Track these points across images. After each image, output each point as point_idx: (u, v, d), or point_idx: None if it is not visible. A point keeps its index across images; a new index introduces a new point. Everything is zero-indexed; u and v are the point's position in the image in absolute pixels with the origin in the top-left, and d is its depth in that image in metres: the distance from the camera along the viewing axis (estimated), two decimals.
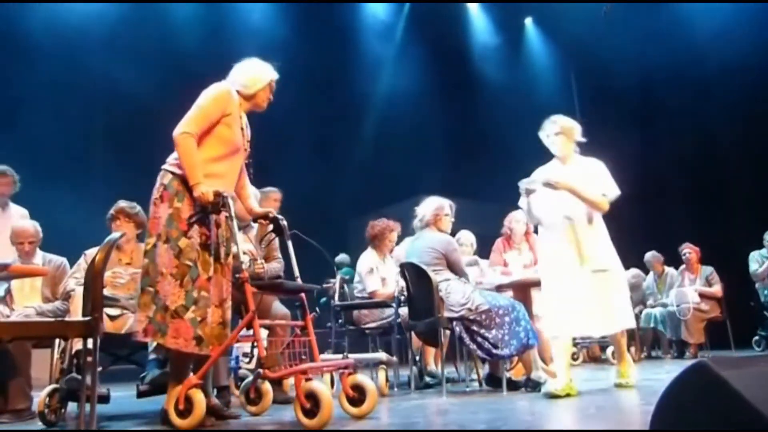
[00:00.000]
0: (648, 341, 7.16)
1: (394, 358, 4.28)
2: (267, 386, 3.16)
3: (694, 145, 9.44)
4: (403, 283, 4.20)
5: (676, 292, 6.81)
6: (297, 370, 2.63)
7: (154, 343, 3.14)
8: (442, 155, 9.70)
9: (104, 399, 3.26)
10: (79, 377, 2.98)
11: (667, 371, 4.92)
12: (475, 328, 3.76)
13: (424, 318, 3.89)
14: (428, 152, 9.61)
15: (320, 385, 2.59)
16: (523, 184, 3.57)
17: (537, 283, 4.60)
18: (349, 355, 4.42)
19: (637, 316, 6.77)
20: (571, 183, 3.56)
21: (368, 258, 4.62)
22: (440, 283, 3.85)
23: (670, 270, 7.26)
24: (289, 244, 3.12)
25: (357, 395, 2.85)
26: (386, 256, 4.72)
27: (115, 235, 2.96)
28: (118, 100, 7.37)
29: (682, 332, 6.60)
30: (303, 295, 3.09)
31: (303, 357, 2.90)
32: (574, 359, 6.37)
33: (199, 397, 2.70)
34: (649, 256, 7.32)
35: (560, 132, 3.74)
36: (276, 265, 3.85)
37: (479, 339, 3.75)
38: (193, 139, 2.81)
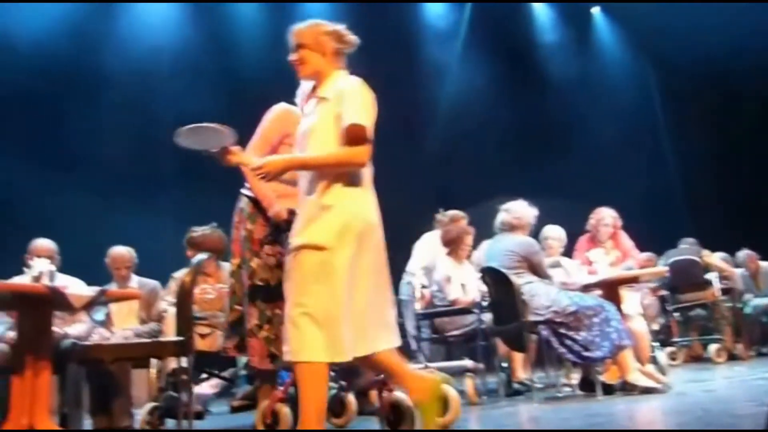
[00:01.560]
0: (756, 335, 6.66)
1: (481, 366, 4.20)
2: (351, 398, 3.17)
3: None
4: (484, 288, 4.12)
5: None
6: (379, 381, 2.64)
7: (244, 360, 3.24)
8: (514, 155, 9.48)
9: (200, 415, 3.38)
10: (176, 395, 3.10)
11: None
12: (563, 330, 3.64)
13: (508, 323, 3.81)
14: (500, 153, 9.41)
15: (402, 395, 2.58)
16: None
17: (626, 281, 4.42)
18: (433, 364, 4.39)
19: (742, 311, 6.33)
20: None
21: (444, 265, 4.54)
22: (523, 286, 3.75)
23: (764, 264, 6.80)
24: None
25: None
26: (463, 261, 4.63)
27: (201, 257, 3.09)
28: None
29: None
30: None
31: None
32: (673, 359, 6.04)
33: (284, 411, 2.75)
34: (742, 255, 6.87)
35: None
36: None
37: (568, 342, 3.63)
38: None
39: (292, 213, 2.79)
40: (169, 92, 7.49)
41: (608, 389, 3.73)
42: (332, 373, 4.00)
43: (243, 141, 3.00)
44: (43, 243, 3.82)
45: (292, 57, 2.47)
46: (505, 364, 4.45)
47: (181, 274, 3.76)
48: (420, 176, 9.39)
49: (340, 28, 2.50)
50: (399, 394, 2.59)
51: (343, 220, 2.28)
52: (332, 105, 2.35)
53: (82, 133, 6.82)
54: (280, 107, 3.03)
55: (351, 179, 2.34)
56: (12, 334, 3.28)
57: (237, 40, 8.55)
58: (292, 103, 2.91)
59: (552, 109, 9.98)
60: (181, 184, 7.38)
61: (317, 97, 2.43)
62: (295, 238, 2.31)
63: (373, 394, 3.39)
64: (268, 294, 2.85)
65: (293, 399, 3.27)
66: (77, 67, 7.11)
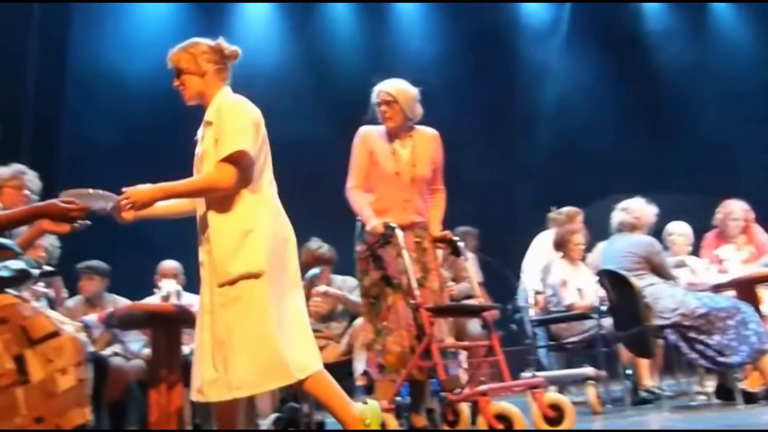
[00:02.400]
0: None
1: (603, 373, 4.01)
2: (464, 406, 3.13)
3: None
4: (603, 292, 3.94)
5: None
6: (477, 392, 2.60)
7: (359, 371, 3.33)
8: (629, 151, 9.05)
9: (321, 425, 3.47)
10: (297, 406, 3.21)
11: None
12: (693, 335, 3.42)
13: (630, 328, 3.62)
14: (613, 149, 9.01)
15: (508, 405, 2.55)
16: None
17: (764, 279, 4.06)
18: (552, 373, 4.24)
19: None
20: None
21: (559, 269, 4.38)
22: (645, 288, 3.55)
23: None
24: (467, 264, 3.12)
25: (555, 414, 2.72)
26: (578, 263, 4.43)
27: (314, 271, 3.20)
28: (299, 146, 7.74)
29: None
30: (488, 314, 3.03)
31: (482, 378, 2.87)
32: None
33: (390, 420, 2.78)
34: None
35: None
36: (467, 285, 3.84)
37: (700, 347, 3.41)
38: (356, 191, 3.08)
39: (386, 227, 2.86)
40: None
41: (750, 397, 3.48)
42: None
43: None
44: (170, 264, 4.07)
45: (174, 83, 2.40)
46: (629, 371, 4.23)
47: None
48: (531, 176, 9.20)
49: (218, 42, 2.40)
50: (504, 404, 2.54)
51: (268, 242, 2.24)
52: (213, 129, 2.30)
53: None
54: (358, 132, 3.16)
55: (258, 199, 2.29)
56: (147, 351, 3.54)
57: (334, 53, 8.72)
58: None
59: (666, 100, 9.45)
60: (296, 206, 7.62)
61: (204, 122, 2.38)
62: (228, 268, 2.22)
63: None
64: (379, 308, 2.98)
65: (400, 408, 3.32)
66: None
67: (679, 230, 4.54)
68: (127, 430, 3.49)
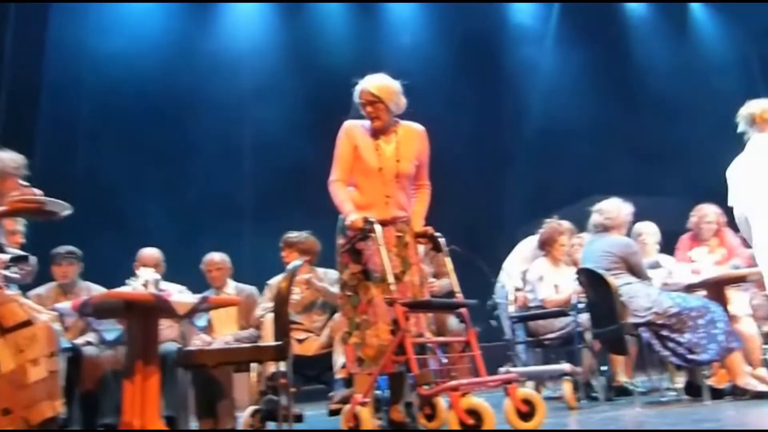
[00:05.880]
0: None
1: (579, 369, 4.08)
2: (440, 401, 3.15)
3: None
4: (579, 288, 4.00)
5: None
6: (447, 387, 2.61)
7: (339, 364, 3.33)
8: (611, 153, 9.15)
9: (299, 418, 3.47)
10: (276, 398, 3.20)
11: None
12: (665, 333, 3.49)
13: (607, 325, 3.68)
14: (595, 151, 9.11)
15: (479, 401, 2.57)
16: None
17: (733, 281, 4.17)
18: (530, 369, 4.29)
19: None
20: None
21: (539, 266, 4.45)
22: (621, 287, 3.61)
23: None
24: (447, 260, 3.12)
25: (527, 409, 2.75)
26: (560, 263, 4.50)
27: (296, 263, 3.19)
28: (275, 145, 7.69)
29: None
30: (465, 310, 3.05)
31: (453, 374, 2.88)
32: None
33: (364, 414, 2.79)
34: None
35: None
36: (448, 281, 3.86)
37: (672, 344, 3.48)
38: (338, 184, 3.07)
39: (365, 221, 2.86)
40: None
41: (717, 394, 3.58)
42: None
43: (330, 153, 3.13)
44: (150, 252, 4.01)
45: None
46: (605, 368, 4.30)
47: (275, 281, 3.90)
48: (517, 176, 9.27)
49: None
50: (475, 399, 2.57)
51: None
52: None
53: (180, 148, 7.17)
54: (344, 125, 3.16)
55: None
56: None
57: (323, 47, 8.67)
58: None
59: (647, 104, 9.59)
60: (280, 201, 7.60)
61: None
62: None
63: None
64: (357, 302, 2.99)
65: (379, 402, 3.33)
66: (167, 87, 7.45)
67: (648, 230, 4.65)
68: (96, 428, 3.43)
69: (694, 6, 10.68)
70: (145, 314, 3.01)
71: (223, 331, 4.01)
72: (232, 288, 4.19)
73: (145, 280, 3.18)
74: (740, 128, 3.63)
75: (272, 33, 8.49)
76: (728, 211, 4.69)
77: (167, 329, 3.86)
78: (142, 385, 2.90)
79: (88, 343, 3.64)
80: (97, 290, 3.78)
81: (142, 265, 3.51)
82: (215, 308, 3.80)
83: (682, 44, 10.40)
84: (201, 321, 3.84)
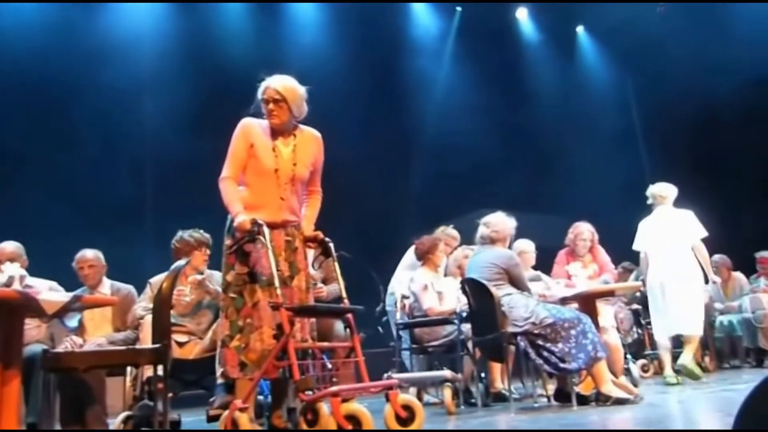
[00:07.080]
0: (725, 350, 6.77)
1: (460, 375, 4.21)
2: (323, 406, 3.15)
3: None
4: (464, 298, 4.14)
5: (750, 298, 6.45)
6: (328, 393, 2.61)
7: (221, 368, 3.21)
8: (498, 169, 9.56)
9: (176, 424, 3.33)
10: (151, 404, 3.05)
11: (745, 381, 4.67)
12: (540, 342, 3.66)
13: (488, 334, 3.82)
14: (485, 166, 9.48)
15: (358, 406, 2.60)
16: None
17: (603, 294, 4.48)
18: (413, 375, 4.38)
19: (711, 324, 6.46)
20: None
21: (421, 276, 4.57)
22: (502, 297, 3.77)
23: (736, 275, 6.86)
24: (336, 265, 3.13)
25: (407, 414, 2.80)
26: (440, 271, 4.66)
27: (180, 263, 3.06)
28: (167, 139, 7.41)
29: (759, 340, 6.24)
30: (350, 316, 3.06)
31: (334, 380, 2.90)
32: (645, 371, 6.11)
33: (243, 420, 2.75)
34: (718, 258, 6.80)
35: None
36: (337, 287, 3.86)
37: (545, 353, 3.65)
38: (228, 181, 2.99)
39: (254, 223, 2.82)
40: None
41: (583, 400, 3.77)
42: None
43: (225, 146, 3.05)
44: (9, 246, 3.73)
45: None
46: (483, 374, 4.46)
47: (158, 280, 3.71)
48: (409, 187, 9.43)
49: None
50: (354, 405, 2.59)
51: None
52: None
53: (58, 138, 6.74)
54: (241, 121, 3.09)
55: None
56: None
57: (220, 40, 8.48)
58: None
59: (537, 124, 10.11)
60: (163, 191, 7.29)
61: None
62: None
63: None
64: (241, 304, 2.93)
65: (262, 407, 3.27)
66: (55, 70, 7.01)
67: (527, 247, 4.95)
68: None
69: (581, 33, 11.44)
70: (8, 313, 2.78)
71: (96, 333, 3.78)
72: (107, 287, 3.96)
73: (9, 276, 2.95)
74: (648, 201, 5.24)
75: (170, 26, 8.21)
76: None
77: (34, 329, 3.60)
78: (1, 389, 2.67)
79: None
80: None
81: (6, 260, 3.25)
82: (89, 308, 3.59)
83: (569, 67, 11.10)
84: (72, 321, 3.61)
